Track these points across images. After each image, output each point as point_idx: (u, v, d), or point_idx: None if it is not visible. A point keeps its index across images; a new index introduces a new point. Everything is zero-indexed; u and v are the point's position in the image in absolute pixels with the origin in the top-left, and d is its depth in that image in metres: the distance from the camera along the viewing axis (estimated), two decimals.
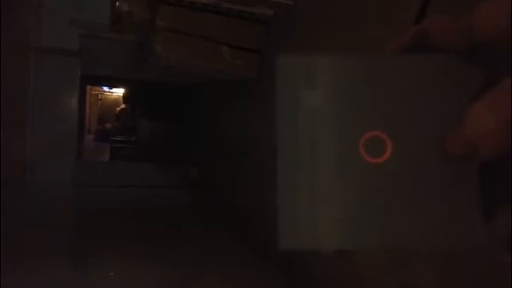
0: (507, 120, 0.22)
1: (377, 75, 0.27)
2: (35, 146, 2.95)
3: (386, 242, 0.26)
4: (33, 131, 2.96)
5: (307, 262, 1.56)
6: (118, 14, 2.09)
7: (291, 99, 0.26)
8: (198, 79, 3.08)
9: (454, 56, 0.26)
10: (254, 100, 2.26)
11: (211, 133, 3.36)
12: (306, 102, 0.26)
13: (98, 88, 7.84)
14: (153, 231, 2.23)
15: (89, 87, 6.52)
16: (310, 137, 0.26)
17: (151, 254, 1.86)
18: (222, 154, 2.96)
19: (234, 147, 2.63)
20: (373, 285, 1.28)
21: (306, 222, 0.26)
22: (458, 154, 0.24)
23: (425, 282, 1.07)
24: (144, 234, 2.17)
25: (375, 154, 0.26)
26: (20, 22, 2.74)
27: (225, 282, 1.65)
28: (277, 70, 0.27)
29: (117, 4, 2.06)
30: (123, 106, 6.74)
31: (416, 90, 0.26)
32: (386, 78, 0.26)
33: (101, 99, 8.39)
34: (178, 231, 2.29)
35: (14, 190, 2.59)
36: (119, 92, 7.30)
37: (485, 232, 0.25)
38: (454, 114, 0.25)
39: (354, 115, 0.26)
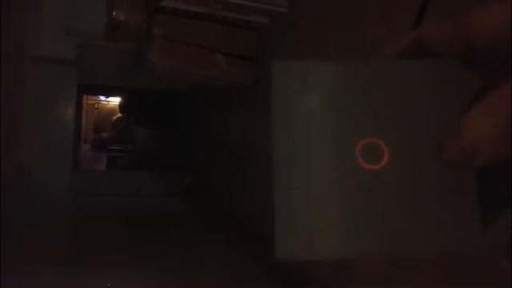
0: (505, 126, 0.22)
1: (373, 81, 0.26)
2: (32, 154, 2.95)
3: (384, 248, 0.25)
4: (29, 139, 2.97)
5: (303, 267, 1.57)
6: (115, 23, 2.11)
7: (287, 104, 0.26)
8: (194, 86, 3.09)
9: (451, 62, 0.26)
10: (248, 106, 2.28)
11: (207, 139, 3.37)
12: (301, 108, 0.26)
13: (94, 97, 7.84)
14: (150, 237, 2.23)
15: (85, 96, 6.51)
16: (306, 143, 0.26)
17: (148, 260, 1.86)
18: (218, 159, 2.97)
19: (230, 153, 2.64)
20: None
21: (302, 230, 0.25)
22: (456, 160, 0.24)
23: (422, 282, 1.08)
24: (141, 239, 2.17)
25: (372, 161, 0.26)
26: (17, 28, 2.76)
27: (222, 284, 1.66)
28: (272, 75, 0.26)
29: (113, 13, 2.08)
30: (119, 114, 6.73)
31: (413, 96, 0.26)
32: (382, 83, 0.26)
33: (97, 108, 8.37)
34: (176, 237, 2.29)
35: (11, 195, 2.59)
36: (115, 101, 7.30)
37: (484, 238, 0.25)
38: (451, 120, 0.24)
39: (350, 121, 0.26)
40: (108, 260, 1.81)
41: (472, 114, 0.23)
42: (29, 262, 1.64)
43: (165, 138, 4.65)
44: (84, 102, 6.51)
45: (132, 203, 3.22)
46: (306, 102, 0.26)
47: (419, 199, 0.25)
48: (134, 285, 1.63)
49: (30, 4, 2.88)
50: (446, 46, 0.26)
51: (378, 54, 0.29)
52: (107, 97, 7.77)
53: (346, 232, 0.25)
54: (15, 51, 2.78)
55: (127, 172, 4.45)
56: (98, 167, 5.83)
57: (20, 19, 2.81)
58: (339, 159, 0.26)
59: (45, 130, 3.03)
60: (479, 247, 0.25)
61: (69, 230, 2.41)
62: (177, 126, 4.40)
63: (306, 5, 1.78)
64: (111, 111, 7.72)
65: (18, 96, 2.88)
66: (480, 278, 0.90)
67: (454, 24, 0.25)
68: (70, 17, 2.77)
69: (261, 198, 1.72)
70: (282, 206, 0.25)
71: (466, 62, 0.26)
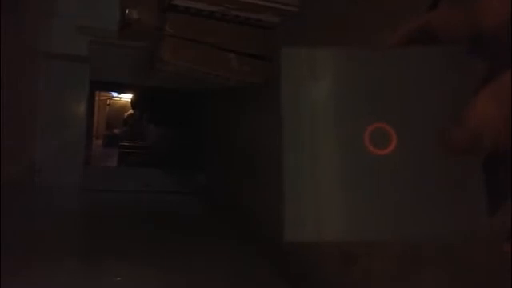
0: (507, 114, 0.22)
1: (381, 67, 0.27)
2: (44, 151, 2.99)
3: (390, 233, 0.26)
4: (42, 136, 3.01)
5: (312, 266, 1.57)
6: (128, 21, 2.13)
7: (296, 91, 0.27)
8: (206, 84, 3.10)
9: (459, 47, 0.26)
10: (260, 104, 2.28)
11: (219, 137, 3.38)
12: (310, 94, 0.27)
13: (106, 93, 7.90)
14: (154, 236, 2.24)
15: (97, 92, 6.56)
16: (315, 128, 0.26)
17: (149, 258, 1.87)
18: (230, 158, 2.97)
19: (242, 151, 2.64)
20: None
21: (311, 213, 0.26)
22: (461, 146, 0.24)
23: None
24: (153, 238, 2.18)
25: (380, 146, 0.26)
26: (29, 26, 2.79)
27: (223, 284, 1.66)
28: (281, 62, 0.27)
29: (126, 11, 2.10)
30: (131, 111, 6.77)
31: (420, 82, 0.26)
32: (390, 69, 0.27)
33: (109, 104, 8.44)
34: (182, 236, 2.30)
35: (22, 192, 2.62)
36: (127, 97, 7.34)
37: (488, 224, 0.25)
38: (458, 105, 0.24)
39: (358, 107, 0.26)
40: (108, 258, 1.82)
41: (478, 98, 0.23)
42: (29, 262, 1.65)
43: (176, 136, 4.67)
44: (96, 98, 6.56)
45: (142, 200, 3.24)
46: (314, 88, 0.27)
47: (426, 185, 0.26)
48: (133, 284, 1.64)
49: (44, 2, 2.91)
50: (454, 32, 0.26)
51: (385, 41, 0.29)
52: (119, 93, 7.82)
53: (352, 216, 0.26)
54: (27, 47, 2.81)
55: (138, 169, 4.48)
56: (109, 163, 5.86)
57: (33, 16, 2.84)
58: (347, 144, 0.26)
59: (57, 127, 3.06)
60: (483, 233, 0.25)
61: (75, 227, 2.43)
62: (189, 124, 4.42)
63: (317, 5, 1.78)
64: (123, 107, 7.78)
65: (27, 94, 2.91)
66: (480, 278, 0.90)
67: (463, 9, 0.25)
68: (83, 15, 2.80)
69: (270, 196, 1.73)
70: (291, 190, 0.26)
71: (473, 47, 0.26)
